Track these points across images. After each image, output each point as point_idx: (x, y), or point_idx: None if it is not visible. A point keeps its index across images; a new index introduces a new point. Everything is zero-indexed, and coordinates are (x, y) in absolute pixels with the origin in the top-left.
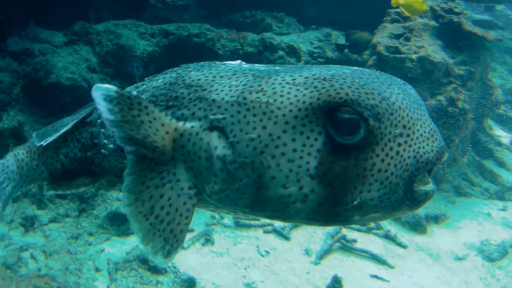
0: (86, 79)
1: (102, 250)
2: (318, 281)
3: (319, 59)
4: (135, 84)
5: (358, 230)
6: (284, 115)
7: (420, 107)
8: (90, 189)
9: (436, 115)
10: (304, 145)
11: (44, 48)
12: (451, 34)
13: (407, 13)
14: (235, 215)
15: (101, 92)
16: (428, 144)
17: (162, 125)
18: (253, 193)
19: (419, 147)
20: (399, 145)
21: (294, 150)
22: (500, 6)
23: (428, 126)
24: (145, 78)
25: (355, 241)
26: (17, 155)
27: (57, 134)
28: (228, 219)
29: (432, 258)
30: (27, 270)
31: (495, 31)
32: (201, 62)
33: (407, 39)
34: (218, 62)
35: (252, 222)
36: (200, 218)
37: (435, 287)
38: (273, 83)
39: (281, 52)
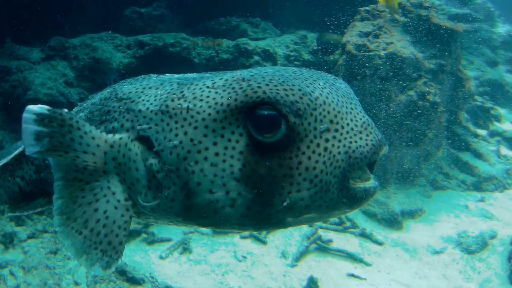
0: (64, 94)
1: (81, 264)
2: (295, 283)
3: (296, 62)
4: (79, 104)
5: (334, 230)
6: (203, 119)
7: (351, 100)
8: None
9: (407, 110)
10: (226, 148)
11: (21, 65)
12: (420, 28)
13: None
14: (174, 226)
15: (34, 111)
16: (361, 138)
17: (93, 138)
18: (182, 200)
19: (351, 142)
20: (327, 140)
21: (216, 154)
22: None
23: (361, 119)
24: (89, 96)
25: (331, 241)
26: None
27: (11, 156)
28: None
29: (409, 253)
30: (5, 287)
31: (471, 24)
32: (139, 76)
33: (376, 36)
34: (153, 75)
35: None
36: (178, 228)
37: (413, 282)
38: (194, 88)
39: (256, 57)
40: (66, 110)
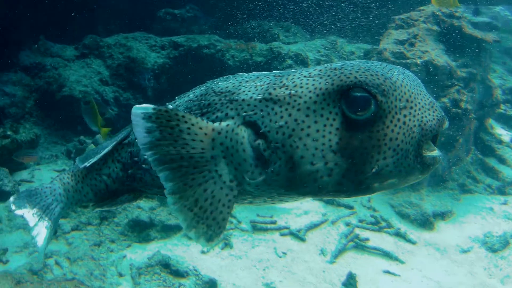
0: (99, 92)
1: (124, 256)
2: (334, 279)
3: None
4: (170, 103)
5: (371, 229)
6: (305, 102)
7: (419, 85)
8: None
9: None
10: (325, 125)
11: (55, 62)
12: (452, 38)
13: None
14: (271, 201)
15: (140, 111)
16: (429, 114)
17: (200, 128)
18: (286, 173)
19: (422, 117)
20: (405, 116)
21: (317, 131)
22: (498, 7)
23: (428, 99)
24: (176, 97)
25: (367, 239)
26: (62, 179)
27: (99, 156)
28: (245, 223)
29: (440, 252)
30: (53, 276)
31: (493, 33)
32: (225, 76)
33: (412, 45)
34: (240, 73)
35: (269, 226)
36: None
37: (443, 279)
38: (292, 78)
39: (289, 61)
40: (171, 106)
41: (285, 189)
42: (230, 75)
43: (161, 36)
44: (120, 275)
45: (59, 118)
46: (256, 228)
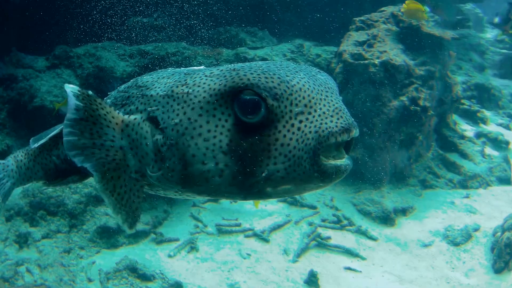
0: None
1: (93, 262)
2: (296, 277)
3: None
4: (109, 93)
5: (332, 228)
6: (199, 101)
7: (328, 89)
8: (79, 205)
9: (399, 115)
10: (216, 125)
11: (27, 73)
12: (411, 37)
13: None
14: (180, 195)
15: (71, 89)
16: (331, 121)
17: (113, 117)
18: (180, 170)
19: (321, 123)
20: (300, 121)
21: (209, 131)
22: (469, 5)
23: (333, 105)
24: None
25: (329, 238)
26: (16, 157)
27: (48, 137)
28: (211, 227)
29: (400, 247)
30: (23, 282)
31: (460, 30)
32: (160, 70)
33: (371, 45)
34: (170, 68)
35: (234, 228)
36: (185, 228)
37: (404, 273)
38: (195, 77)
39: None
40: (91, 92)
41: (181, 186)
42: (159, 70)
43: (130, 45)
44: (89, 280)
45: (31, 128)
46: (221, 231)
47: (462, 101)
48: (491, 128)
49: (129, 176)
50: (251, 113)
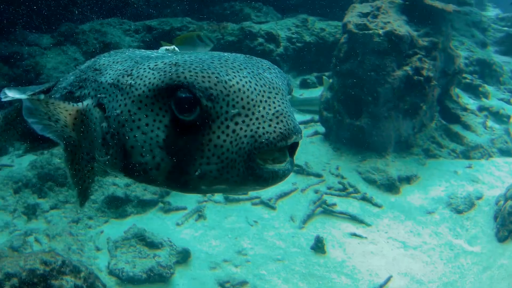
0: None
1: (102, 232)
2: (303, 243)
3: (298, 44)
4: (76, 67)
5: (338, 195)
6: (139, 95)
7: (272, 90)
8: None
9: (403, 85)
10: (154, 120)
11: (32, 51)
12: (414, 9)
13: None
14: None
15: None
16: (269, 125)
17: (66, 110)
18: (122, 159)
19: (258, 127)
20: (236, 124)
21: (146, 124)
22: None
23: (274, 108)
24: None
25: (335, 204)
26: None
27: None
28: (218, 196)
29: (405, 214)
30: (32, 251)
31: (462, 7)
32: (121, 49)
33: (375, 16)
34: (130, 49)
35: (241, 197)
36: (192, 196)
37: (408, 239)
38: (140, 68)
39: (260, 40)
40: (42, 95)
41: (124, 174)
42: (121, 50)
43: (134, 21)
44: (98, 249)
45: None
46: (228, 199)
47: (464, 75)
48: (493, 102)
49: (81, 157)
50: (186, 111)
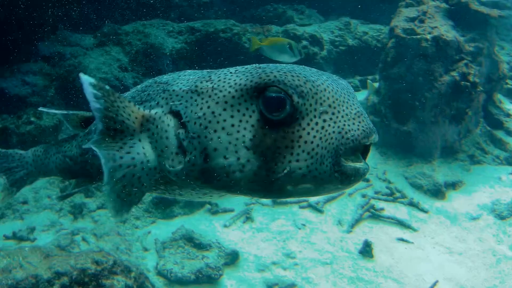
0: (119, 78)
1: (149, 232)
2: (351, 247)
3: (341, 47)
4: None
5: (385, 200)
6: (224, 95)
7: (349, 94)
8: None
9: (450, 90)
10: (240, 120)
11: (75, 51)
12: (460, 14)
13: None
14: (196, 195)
15: (88, 80)
16: (353, 123)
17: (132, 111)
18: (201, 164)
19: (344, 124)
20: (324, 120)
21: (232, 125)
22: None
23: (355, 109)
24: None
25: (382, 209)
26: (36, 151)
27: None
28: None
29: (450, 220)
30: (79, 250)
31: (502, 11)
32: (179, 71)
33: (422, 21)
34: (188, 71)
35: (289, 199)
36: (240, 199)
37: (453, 245)
38: (220, 74)
39: (304, 42)
40: (108, 86)
41: (201, 181)
42: (177, 72)
43: (177, 23)
44: (145, 249)
45: (79, 105)
46: (276, 202)
47: (507, 80)
48: None
49: (142, 168)
50: (276, 110)
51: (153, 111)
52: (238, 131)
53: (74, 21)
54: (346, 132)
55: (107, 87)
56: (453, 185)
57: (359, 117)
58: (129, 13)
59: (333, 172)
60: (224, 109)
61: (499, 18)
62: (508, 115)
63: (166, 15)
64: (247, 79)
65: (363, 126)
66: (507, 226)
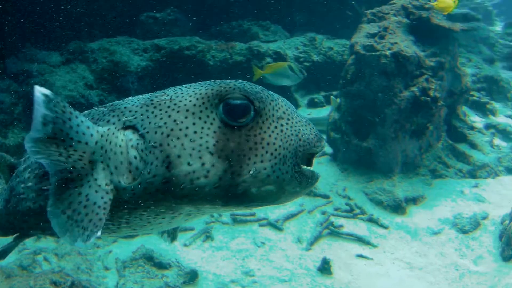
0: (85, 96)
1: (110, 251)
2: (310, 264)
3: (305, 63)
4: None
5: (345, 217)
6: (185, 104)
7: (295, 107)
8: None
9: (410, 106)
10: (202, 127)
11: (41, 68)
12: (422, 28)
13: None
14: (147, 217)
15: (42, 92)
16: (306, 129)
17: (88, 127)
18: (163, 173)
19: (300, 129)
20: (282, 125)
21: (195, 132)
22: None
23: (304, 118)
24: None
25: (342, 226)
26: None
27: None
28: (226, 217)
29: (411, 235)
30: (41, 270)
31: (470, 23)
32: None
33: (382, 37)
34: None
35: (248, 218)
36: (200, 217)
37: (414, 260)
38: (174, 89)
39: (268, 59)
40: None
41: (161, 193)
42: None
43: (143, 40)
44: (106, 268)
45: None
46: (236, 220)
47: (472, 92)
48: (500, 119)
49: (96, 190)
50: (242, 116)
51: (106, 127)
52: (201, 137)
53: (42, 38)
54: (302, 135)
55: (61, 99)
56: (413, 200)
57: (309, 124)
58: (96, 31)
59: (294, 173)
60: (186, 117)
61: (461, 31)
62: (472, 128)
63: (131, 32)
64: (207, 89)
65: (314, 132)
66: (470, 240)
